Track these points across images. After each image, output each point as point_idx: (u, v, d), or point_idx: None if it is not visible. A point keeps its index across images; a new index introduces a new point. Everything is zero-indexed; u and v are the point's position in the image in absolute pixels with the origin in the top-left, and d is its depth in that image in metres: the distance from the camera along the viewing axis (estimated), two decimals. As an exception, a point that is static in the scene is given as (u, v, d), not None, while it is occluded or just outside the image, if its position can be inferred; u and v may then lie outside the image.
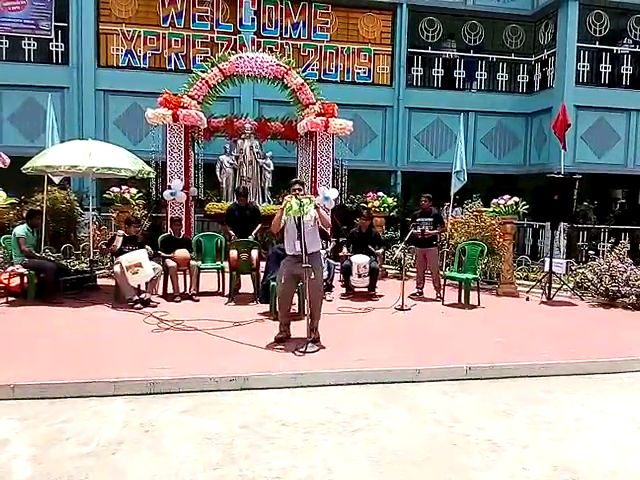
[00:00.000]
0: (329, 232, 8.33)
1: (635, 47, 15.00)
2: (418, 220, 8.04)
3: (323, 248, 7.69)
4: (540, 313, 7.33)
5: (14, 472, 3.04)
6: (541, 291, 8.20)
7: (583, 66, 14.54)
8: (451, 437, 3.57)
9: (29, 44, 13.79)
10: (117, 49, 14.13)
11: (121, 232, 7.33)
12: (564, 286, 8.25)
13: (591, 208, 12.79)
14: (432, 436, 3.58)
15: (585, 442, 3.56)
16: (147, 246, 7.37)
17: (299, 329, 5.48)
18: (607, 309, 7.57)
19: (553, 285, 8.16)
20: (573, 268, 8.96)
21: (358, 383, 4.48)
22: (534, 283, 8.55)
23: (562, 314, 7.29)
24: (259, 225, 8.14)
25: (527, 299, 8.11)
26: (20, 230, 7.23)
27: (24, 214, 8.18)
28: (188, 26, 14.30)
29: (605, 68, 14.77)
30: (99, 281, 8.39)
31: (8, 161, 2.51)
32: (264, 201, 11.97)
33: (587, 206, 12.67)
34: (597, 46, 14.71)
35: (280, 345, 5.25)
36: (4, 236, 7.64)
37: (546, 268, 8.42)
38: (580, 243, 12.05)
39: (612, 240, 9.30)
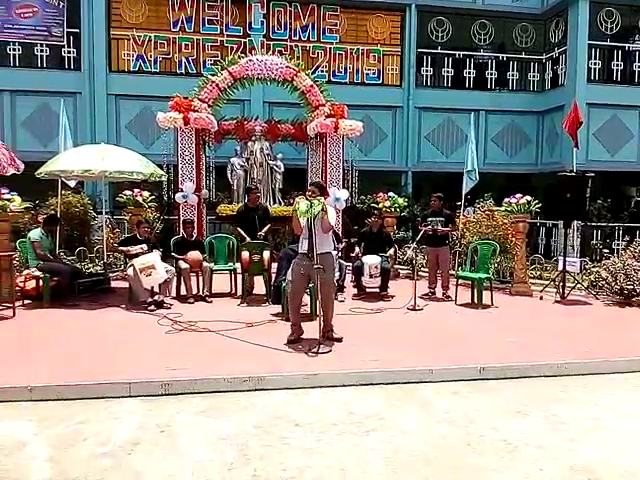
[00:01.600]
0: (340, 233, 8.39)
1: (647, 44, 14.87)
2: (429, 220, 8.00)
3: (335, 249, 7.74)
4: (554, 312, 7.27)
5: (33, 472, 3.08)
6: (555, 290, 8.13)
7: (595, 63, 14.46)
8: (465, 437, 3.55)
9: (42, 50, 13.99)
10: (128, 54, 14.29)
11: (145, 247, 7.37)
12: (578, 285, 8.18)
13: (605, 206, 12.66)
14: (446, 436, 3.57)
15: (602, 442, 3.52)
16: (155, 249, 7.43)
17: (312, 330, 5.49)
18: (622, 308, 7.49)
19: (567, 284, 8.08)
20: (587, 267, 8.87)
21: (371, 384, 4.47)
22: (548, 282, 8.48)
23: (576, 313, 7.22)
24: (268, 225, 8.15)
25: (541, 298, 8.05)
26: (34, 234, 7.33)
27: (39, 218, 8.28)
28: (198, 30, 14.42)
29: (617, 65, 14.67)
30: (113, 283, 8.47)
31: (22, 167, 2.55)
32: (275, 202, 12.01)
33: (601, 204, 12.55)
34: (608, 43, 14.62)
35: (293, 346, 5.26)
36: (19, 240, 7.74)
37: (560, 267, 8.35)
38: (594, 241, 11.93)
39: (627, 238, 9.21)
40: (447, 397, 4.27)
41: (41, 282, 7.22)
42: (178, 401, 4.09)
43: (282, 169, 12.29)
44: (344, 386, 4.43)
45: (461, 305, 7.54)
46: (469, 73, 15.64)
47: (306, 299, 6.20)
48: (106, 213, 9.23)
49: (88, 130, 13.86)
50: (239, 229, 8.03)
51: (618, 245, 11.55)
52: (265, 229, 8.00)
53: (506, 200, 8.50)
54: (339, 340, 5.42)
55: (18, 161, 2.73)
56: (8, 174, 2.86)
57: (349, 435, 3.56)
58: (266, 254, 7.48)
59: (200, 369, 4.51)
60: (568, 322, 6.62)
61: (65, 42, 14.09)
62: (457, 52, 15.57)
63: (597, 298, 7.99)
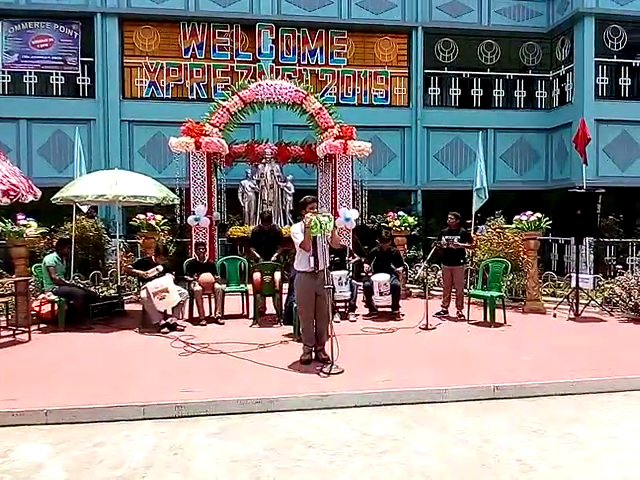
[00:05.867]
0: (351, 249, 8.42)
1: (654, 59, 14.92)
2: (446, 237, 7.97)
3: (346, 269, 7.77)
4: (568, 330, 7.20)
5: (48, 496, 3.11)
6: (568, 307, 8.07)
7: (602, 80, 14.52)
8: (481, 458, 3.52)
9: (57, 79, 14.37)
10: (141, 81, 14.62)
11: (161, 268, 7.48)
12: (592, 302, 8.11)
13: (617, 222, 12.58)
14: (461, 457, 3.54)
15: (620, 462, 3.47)
16: (168, 273, 7.49)
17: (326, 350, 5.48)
18: (637, 324, 7.40)
19: (581, 301, 8.02)
20: (601, 283, 8.80)
21: (384, 404, 4.45)
22: (561, 299, 8.41)
23: (591, 330, 7.15)
24: (280, 248, 8.21)
25: (554, 316, 7.98)
26: (49, 259, 7.45)
27: (54, 243, 8.42)
28: (209, 56, 14.73)
29: (624, 82, 14.73)
30: (126, 306, 8.54)
31: (39, 194, 2.64)
32: (285, 223, 12.09)
33: (613, 220, 12.47)
34: (615, 60, 14.69)
35: (305, 367, 5.25)
36: (35, 265, 7.86)
37: (573, 284, 8.28)
38: (607, 258, 11.83)
39: (640, 254, 9.13)
40: (461, 417, 4.23)
41: (56, 306, 7.32)
42: (191, 423, 4.11)
43: (292, 190, 12.41)
44: (357, 407, 4.42)
45: (473, 324, 7.50)
46: (476, 92, 15.76)
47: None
48: (120, 237, 9.34)
49: (102, 156, 14.10)
50: (252, 250, 8.12)
51: (632, 261, 11.44)
52: (278, 252, 8.08)
53: (516, 217, 8.49)
54: (327, 360, 5.24)
55: (35, 188, 2.82)
56: (27, 201, 2.97)
57: (363, 456, 3.55)
58: (277, 275, 7.53)
59: (213, 391, 4.53)
60: (582, 339, 6.55)
61: (80, 71, 14.45)
62: (464, 72, 15.72)
63: (611, 315, 7.90)
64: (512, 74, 15.89)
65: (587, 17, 14.18)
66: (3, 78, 14.17)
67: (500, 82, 15.86)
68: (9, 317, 7.14)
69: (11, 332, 6.74)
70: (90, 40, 14.32)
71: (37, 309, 7.34)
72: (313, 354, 5.48)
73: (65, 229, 9.54)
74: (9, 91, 14.22)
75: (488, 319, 7.44)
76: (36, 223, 7.58)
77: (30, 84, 14.25)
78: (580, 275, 8.23)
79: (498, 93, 15.85)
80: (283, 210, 12.40)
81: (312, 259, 5.25)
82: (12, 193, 2.76)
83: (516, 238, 8.73)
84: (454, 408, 4.41)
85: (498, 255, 8.57)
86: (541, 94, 15.98)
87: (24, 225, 7.34)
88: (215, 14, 14.52)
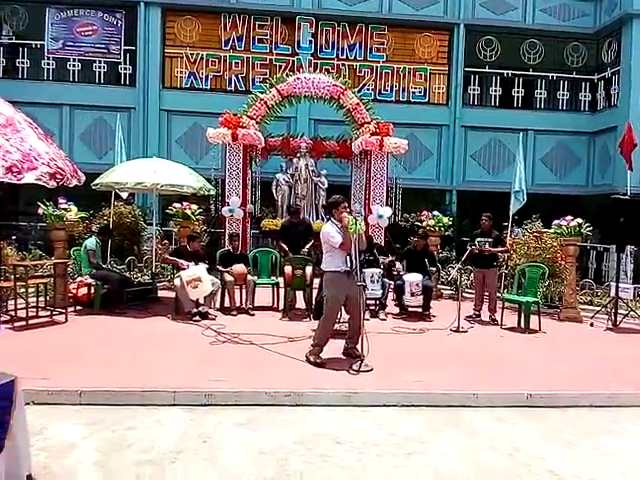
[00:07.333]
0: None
1: None
2: (477, 240, 7.84)
3: (378, 267, 7.71)
4: (605, 340, 6.98)
5: (80, 476, 3.18)
6: (606, 317, 7.81)
7: (649, 84, 14.01)
8: (511, 466, 3.45)
9: (100, 67, 14.69)
10: (181, 71, 14.81)
11: (192, 264, 7.48)
12: (631, 312, 7.84)
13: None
14: (490, 464, 3.47)
15: (657, 479, 3.36)
16: (201, 263, 7.54)
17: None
18: (679, 338, 7.14)
19: (619, 311, 7.76)
20: (641, 294, 8.51)
21: (413, 405, 4.41)
22: (599, 308, 8.16)
23: (630, 342, 6.91)
24: (312, 241, 8.20)
25: (591, 325, 7.75)
26: (91, 243, 7.63)
27: (93, 227, 8.60)
28: (248, 49, 14.81)
29: (674, 86, 14.14)
30: (160, 293, 8.69)
31: (83, 178, 2.71)
32: (317, 218, 12.08)
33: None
34: (665, 63, 14.13)
35: (335, 363, 5.20)
36: (74, 248, 8.05)
37: (612, 293, 8.03)
38: (649, 267, 11.43)
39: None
40: (492, 423, 4.16)
41: (93, 289, 7.49)
42: (219, 412, 4.14)
43: (326, 185, 12.40)
44: (385, 406, 4.38)
45: (507, 329, 7.34)
46: (518, 92, 15.43)
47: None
48: (156, 224, 9.49)
49: (141, 144, 14.37)
50: (282, 244, 8.14)
51: (674, 272, 11.02)
52: (309, 245, 8.08)
53: (556, 222, 8.26)
54: (360, 357, 5.19)
55: (80, 173, 2.88)
56: (71, 185, 3.02)
57: (390, 456, 3.52)
58: (308, 269, 7.51)
59: (242, 381, 4.56)
60: (620, 350, 6.34)
61: (122, 59, 14.75)
62: (505, 71, 15.40)
63: (652, 327, 7.64)
64: (555, 75, 15.49)
65: (636, 19, 13.70)
66: (48, 64, 14.56)
67: (542, 83, 15.48)
68: (47, 298, 7.34)
69: (49, 313, 6.94)
70: (133, 29, 14.59)
71: (74, 291, 7.52)
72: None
73: (103, 215, 9.74)
74: (53, 77, 14.61)
75: (522, 325, 7.27)
76: (76, 208, 7.76)
77: (74, 71, 14.61)
78: (620, 284, 7.97)
79: (540, 94, 15.48)
80: (316, 205, 12.40)
81: (348, 258, 5.23)
82: (59, 176, 2.81)
83: (554, 243, 8.51)
84: (485, 413, 4.33)
85: (535, 260, 8.37)
86: (585, 96, 15.54)
87: (64, 209, 7.52)
88: (256, 6, 14.58)
